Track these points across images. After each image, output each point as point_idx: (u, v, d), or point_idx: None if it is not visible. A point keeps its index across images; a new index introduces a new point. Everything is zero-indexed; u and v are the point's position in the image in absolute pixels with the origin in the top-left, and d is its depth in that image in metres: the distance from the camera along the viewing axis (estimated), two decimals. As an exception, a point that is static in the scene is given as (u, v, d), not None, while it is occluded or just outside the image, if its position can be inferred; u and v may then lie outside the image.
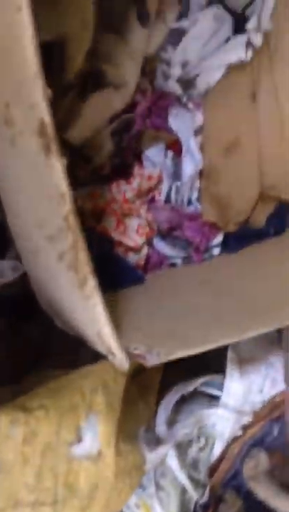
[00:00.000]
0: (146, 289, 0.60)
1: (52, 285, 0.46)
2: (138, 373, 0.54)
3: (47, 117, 0.33)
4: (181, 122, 0.63)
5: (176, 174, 0.64)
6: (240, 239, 0.67)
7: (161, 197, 0.64)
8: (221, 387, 0.61)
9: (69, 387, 0.43)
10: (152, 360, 0.41)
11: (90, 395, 0.44)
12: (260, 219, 0.69)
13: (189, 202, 0.65)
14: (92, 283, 0.37)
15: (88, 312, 0.40)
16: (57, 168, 0.35)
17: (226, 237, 0.67)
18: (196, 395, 0.61)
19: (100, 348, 0.42)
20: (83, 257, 0.37)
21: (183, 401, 0.60)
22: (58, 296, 0.45)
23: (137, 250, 0.62)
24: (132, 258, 0.62)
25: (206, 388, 0.61)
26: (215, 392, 0.61)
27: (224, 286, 0.58)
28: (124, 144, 0.61)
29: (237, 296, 0.54)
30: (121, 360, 0.40)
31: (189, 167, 0.63)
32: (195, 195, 0.65)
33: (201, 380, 0.60)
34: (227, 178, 0.66)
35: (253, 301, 0.53)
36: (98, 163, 0.60)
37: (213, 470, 0.59)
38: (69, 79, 0.52)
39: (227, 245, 0.67)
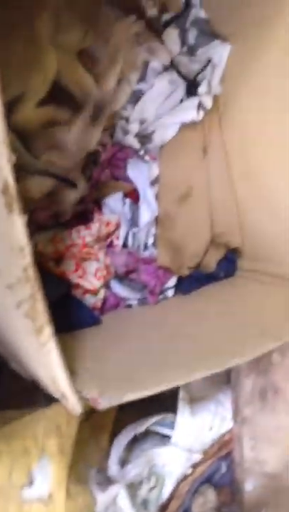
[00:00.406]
0: (103, 330, 0.62)
1: (9, 329, 0.47)
2: (91, 414, 0.56)
3: (10, 179, 0.36)
4: (139, 173, 0.68)
5: (134, 221, 0.68)
6: (192, 282, 0.72)
7: (119, 242, 0.67)
8: (172, 426, 0.63)
9: (22, 431, 0.44)
10: (104, 403, 0.43)
11: (42, 438, 0.45)
12: (211, 263, 0.74)
13: (145, 247, 0.69)
14: (48, 331, 0.40)
15: (43, 358, 0.41)
16: (18, 224, 0.37)
17: (180, 279, 0.71)
18: (148, 434, 0.63)
19: (54, 392, 0.44)
20: (40, 307, 0.39)
21: (135, 440, 0.62)
22: (14, 340, 0.47)
23: (94, 293, 0.64)
24: (90, 300, 0.64)
25: (157, 428, 0.63)
26: (166, 431, 0.63)
27: (177, 328, 0.61)
28: (86, 191, 0.64)
29: (188, 338, 0.57)
30: (74, 404, 0.42)
31: (146, 214, 0.68)
32: (151, 240, 0.69)
33: (153, 419, 0.62)
34: (181, 225, 0.71)
35: (203, 342, 0.56)
36: (61, 209, 0.63)
37: (163, 509, 0.60)
38: (16, 125, 0.54)
39: (180, 287, 0.71)
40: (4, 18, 0.48)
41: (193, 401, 0.66)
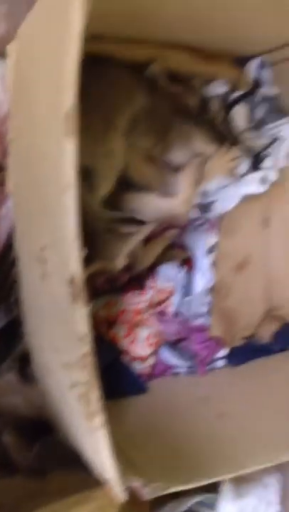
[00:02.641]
0: (148, 400, 0.62)
1: (60, 404, 0.48)
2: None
3: (78, 273, 0.37)
4: (196, 241, 0.68)
5: (187, 289, 0.68)
6: (244, 353, 0.70)
7: (171, 309, 0.67)
8: (213, 507, 0.61)
9: (65, 512, 0.44)
10: (149, 494, 0.42)
11: (85, 520, 0.44)
12: (265, 335, 0.72)
13: (198, 314, 0.68)
14: (99, 419, 0.40)
15: (92, 442, 0.42)
16: (81, 313, 0.38)
17: (231, 349, 0.70)
18: (189, 513, 0.61)
19: (100, 476, 0.44)
20: (95, 394, 0.39)
21: (175, 520, 0.60)
22: (65, 416, 0.48)
23: (143, 359, 0.64)
24: (137, 366, 0.64)
25: (199, 508, 0.61)
26: (207, 512, 0.60)
27: (226, 406, 0.59)
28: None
29: (237, 422, 0.55)
30: (119, 492, 0.42)
31: (200, 283, 0.67)
32: (204, 309, 0.68)
33: (194, 499, 0.60)
34: (236, 294, 0.70)
35: (253, 430, 0.54)
36: (116, 275, 0.64)
37: None
38: (96, 202, 0.56)
39: (231, 358, 0.69)
40: (98, 91, 0.52)
41: (239, 482, 0.63)
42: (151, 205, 0.57)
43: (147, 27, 0.53)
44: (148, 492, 0.42)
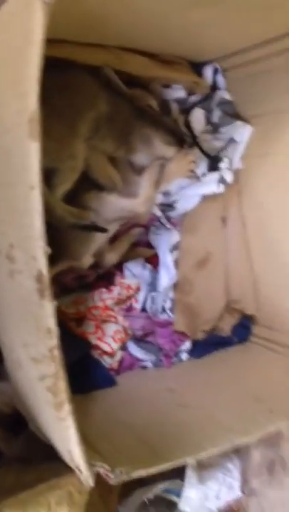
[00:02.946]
0: (117, 392, 0.64)
1: (30, 396, 0.50)
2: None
3: (45, 270, 0.39)
4: (160, 239, 0.71)
5: (153, 285, 0.70)
6: (206, 346, 0.73)
7: (137, 305, 0.70)
8: (179, 493, 0.64)
9: (36, 499, 0.45)
10: (115, 479, 0.44)
11: (55, 506, 0.46)
12: (225, 328, 0.76)
13: (163, 310, 0.71)
14: (67, 408, 0.42)
15: (61, 431, 0.44)
16: (47, 309, 0.40)
17: (194, 343, 0.73)
18: (156, 499, 0.64)
19: (69, 463, 0.46)
20: (62, 385, 0.41)
21: (143, 506, 0.62)
22: (35, 407, 0.49)
23: (111, 355, 0.66)
24: (107, 361, 0.66)
25: (165, 494, 0.64)
26: (174, 498, 0.63)
27: (189, 395, 0.62)
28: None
29: (200, 409, 0.58)
30: (87, 477, 0.44)
31: (165, 279, 0.70)
32: (168, 304, 0.71)
33: (160, 486, 0.62)
34: (198, 290, 0.73)
35: (215, 415, 0.57)
36: (84, 272, 0.67)
37: None
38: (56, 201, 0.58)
39: (194, 351, 0.73)
40: (61, 97, 0.53)
41: (201, 468, 0.66)
42: (114, 205, 0.59)
43: (104, 33, 0.55)
44: (114, 477, 0.44)
